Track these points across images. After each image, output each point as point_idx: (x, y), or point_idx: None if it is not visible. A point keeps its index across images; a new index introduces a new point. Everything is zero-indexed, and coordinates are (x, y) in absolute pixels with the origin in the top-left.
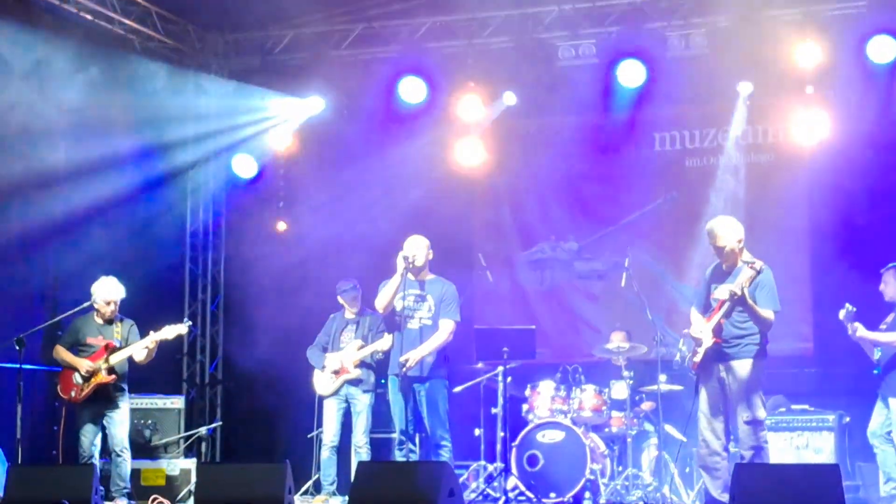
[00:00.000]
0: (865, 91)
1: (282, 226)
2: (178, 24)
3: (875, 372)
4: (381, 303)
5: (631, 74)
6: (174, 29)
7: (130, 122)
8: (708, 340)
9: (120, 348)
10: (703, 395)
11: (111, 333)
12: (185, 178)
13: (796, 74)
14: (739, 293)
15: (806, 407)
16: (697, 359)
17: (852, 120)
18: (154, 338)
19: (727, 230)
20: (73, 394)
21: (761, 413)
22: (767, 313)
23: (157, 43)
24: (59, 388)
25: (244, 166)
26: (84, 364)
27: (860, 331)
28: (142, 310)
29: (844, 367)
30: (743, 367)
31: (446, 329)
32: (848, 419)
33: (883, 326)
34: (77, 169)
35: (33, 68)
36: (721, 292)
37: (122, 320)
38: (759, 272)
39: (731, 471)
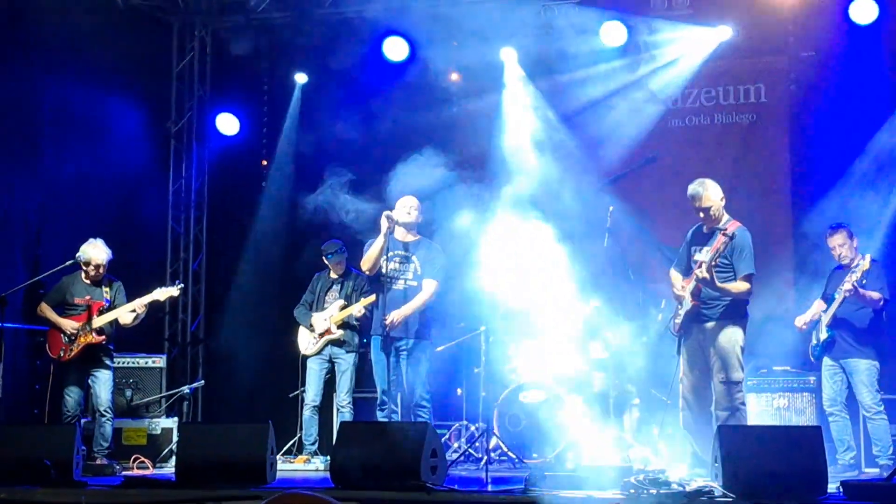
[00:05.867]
0: (847, 51)
1: (265, 184)
2: None
3: (817, 347)
4: (366, 264)
5: (613, 34)
6: None
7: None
8: (687, 303)
9: (108, 308)
10: (683, 357)
11: (100, 294)
12: (169, 137)
13: (778, 34)
14: (707, 276)
15: (787, 368)
16: (678, 321)
17: (834, 79)
18: (144, 300)
19: (710, 191)
20: (61, 353)
21: (738, 374)
22: (740, 286)
23: (140, 1)
24: (47, 346)
25: (227, 125)
26: (69, 324)
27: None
28: (124, 269)
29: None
30: (719, 328)
31: (429, 290)
32: None
33: (845, 288)
34: (60, 124)
35: (16, 24)
36: (702, 255)
37: (111, 281)
38: (731, 238)
39: (712, 432)
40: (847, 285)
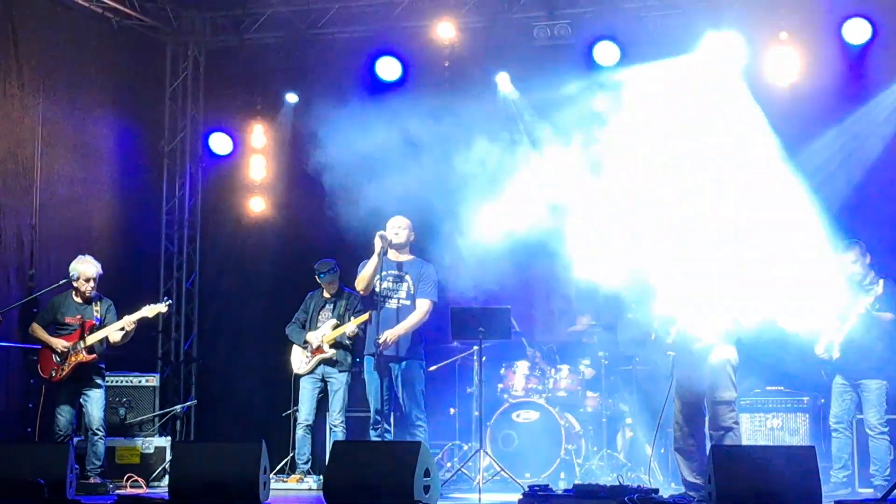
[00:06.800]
0: (841, 72)
1: (257, 204)
2: (155, 1)
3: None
4: (361, 284)
5: (607, 54)
6: (151, 7)
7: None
8: (679, 322)
9: (99, 327)
10: (676, 377)
11: (91, 313)
12: (162, 156)
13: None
14: None
15: (781, 388)
16: (670, 340)
17: (828, 102)
18: (133, 318)
19: None
20: (53, 373)
21: (729, 394)
22: None
23: (133, 21)
24: (38, 366)
25: (220, 144)
26: (59, 343)
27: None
28: (117, 287)
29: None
30: (710, 347)
31: (422, 309)
32: (823, 401)
33: (858, 312)
34: (53, 145)
35: (9, 44)
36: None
37: (100, 299)
38: None
39: (705, 453)
40: (860, 309)
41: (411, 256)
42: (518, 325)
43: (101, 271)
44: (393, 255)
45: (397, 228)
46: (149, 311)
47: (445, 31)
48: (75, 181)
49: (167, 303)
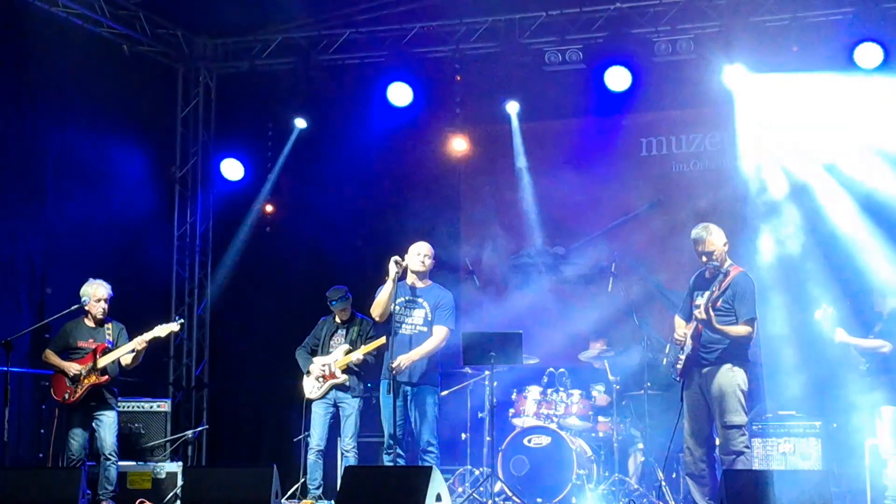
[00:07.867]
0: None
1: (269, 229)
2: (167, 28)
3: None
4: (376, 309)
5: (617, 80)
6: (162, 33)
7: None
8: (688, 347)
9: (112, 349)
10: (686, 402)
11: (103, 336)
12: (174, 182)
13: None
14: (705, 316)
15: (793, 413)
16: (680, 366)
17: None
18: (145, 337)
19: (713, 235)
20: (66, 396)
21: (739, 418)
22: (740, 329)
23: (145, 47)
24: (51, 390)
25: (231, 170)
26: (72, 367)
27: (840, 335)
28: (128, 312)
29: (831, 371)
30: (720, 372)
31: (439, 335)
32: (835, 425)
33: (871, 336)
34: (65, 169)
35: (21, 70)
36: (703, 299)
37: (112, 322)
38: (726, 276)
39: (716, 478)
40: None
41: (429, 282)
42: (529, 349)
43: (111, 293)
44: (410, 279)
45: (423, 257)
46: (161, 330)
47: (459, 145)
48: (86, 206)
49: (180, 322)
